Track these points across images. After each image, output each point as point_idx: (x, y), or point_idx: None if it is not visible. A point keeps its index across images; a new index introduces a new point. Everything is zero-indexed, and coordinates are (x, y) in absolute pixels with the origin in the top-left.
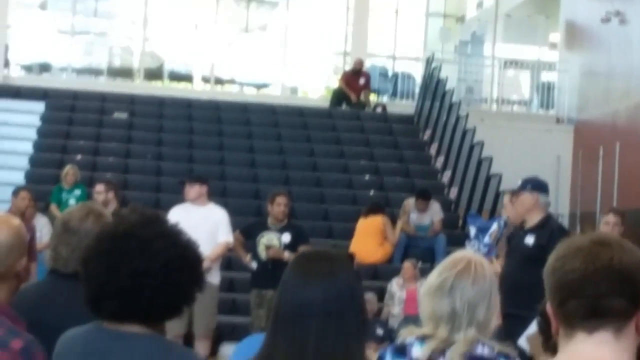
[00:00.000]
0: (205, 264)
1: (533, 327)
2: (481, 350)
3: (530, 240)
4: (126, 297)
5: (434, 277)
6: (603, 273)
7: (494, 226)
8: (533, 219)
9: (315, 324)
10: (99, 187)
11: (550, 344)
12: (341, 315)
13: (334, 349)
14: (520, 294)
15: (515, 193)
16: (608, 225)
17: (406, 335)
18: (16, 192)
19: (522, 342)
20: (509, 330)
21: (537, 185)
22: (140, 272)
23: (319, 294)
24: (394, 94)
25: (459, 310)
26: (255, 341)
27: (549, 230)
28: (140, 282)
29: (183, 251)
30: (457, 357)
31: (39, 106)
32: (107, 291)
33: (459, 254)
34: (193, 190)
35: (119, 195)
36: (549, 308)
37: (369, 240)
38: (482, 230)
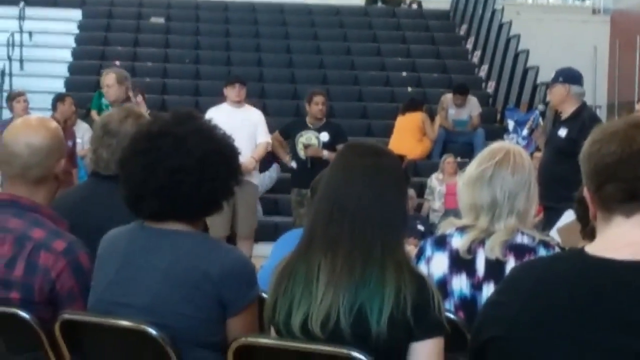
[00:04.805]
0: (251, 165)
1: (564, 219)
2: (521, 239)
3: (563, 132)
4: (164, 194)
5: (472, 168)
6: (639, 156)
7: (531, 118)
8: (567, 110)
9: (351, 218)
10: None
11: (588, 230)
12: (379, 211)
13: (369, 243)
14: (555, 187)
15: (548, 86)
16: None
17: (446, 227)
18: (62, 98)
19: (553, 233)
20: (546, 222)
21: (568, 76)
22: (176, 169)
23: (359, 189)
24: None
25: (500, 200)
26: (295, 236)
27: (581, 121)
28: (176, 179)
29: (218, 145)
30: (498, 246)
31: (76, 13)
32: (145, 190)
33: (497, 145)
34: (234, 91)
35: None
36: (586, 194)
37: (407, 136)
38: (521, 124)
